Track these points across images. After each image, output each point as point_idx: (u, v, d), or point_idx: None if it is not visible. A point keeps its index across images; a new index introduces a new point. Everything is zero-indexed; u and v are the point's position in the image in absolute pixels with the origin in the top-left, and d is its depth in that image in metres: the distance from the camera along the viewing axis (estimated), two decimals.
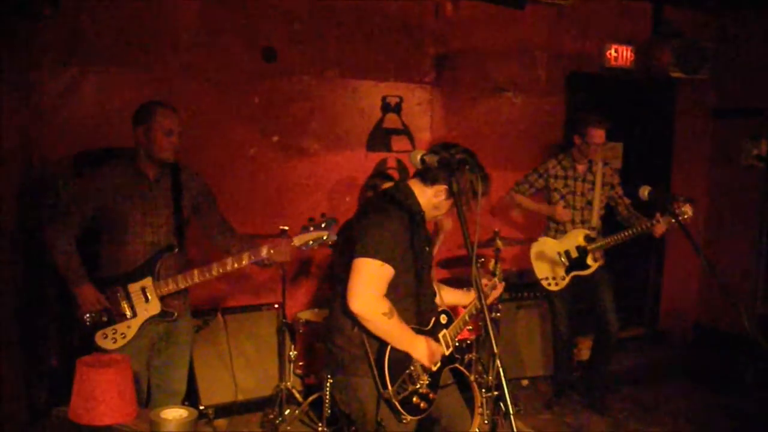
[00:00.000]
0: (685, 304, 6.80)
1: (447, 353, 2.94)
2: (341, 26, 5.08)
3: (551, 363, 5.39)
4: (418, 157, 2.65)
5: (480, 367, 4.67)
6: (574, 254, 4.84)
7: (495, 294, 3.44)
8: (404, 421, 2.69)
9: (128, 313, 3.28)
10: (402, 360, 2.71)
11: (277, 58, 4.91)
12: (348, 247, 2.76)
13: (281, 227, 4.16)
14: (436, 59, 5.47)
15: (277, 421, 4.46)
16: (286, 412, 4.52)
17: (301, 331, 4.66)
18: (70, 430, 2.53)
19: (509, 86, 5.77)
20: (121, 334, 3.26)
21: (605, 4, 6.00)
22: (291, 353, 4.61)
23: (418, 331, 2.80)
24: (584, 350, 5.70)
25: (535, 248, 4.94)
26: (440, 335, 2.93)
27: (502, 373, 2.20)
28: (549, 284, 4.88)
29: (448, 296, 3.22)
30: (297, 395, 4.60)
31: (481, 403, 4.17)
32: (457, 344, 3.04)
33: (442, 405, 2.93)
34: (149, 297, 3.29)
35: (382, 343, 2.69)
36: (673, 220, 4.47)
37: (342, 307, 2.77)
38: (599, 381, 5.12)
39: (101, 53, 4.42)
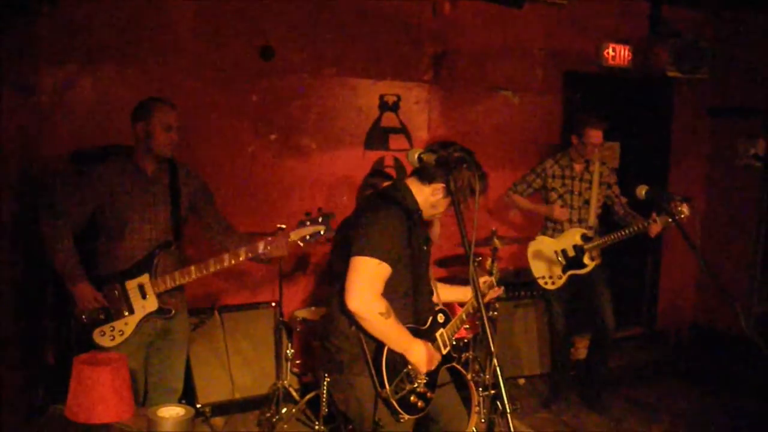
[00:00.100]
0: (682, 303, 6.81)
1: (444, 352, 2.93)
2: (339, 25, 5.08)
3: (548, 362, 5.40)
4: (416, 155, 2.65)
5: (477, 366, 4.67)
6: (571, 253, 4.84)
7: (492, 294, 3.44)
8: (402, 420, 2.69)
9: (126, 310, 3.28)
10: (399, 359, 2.70)
11: (275, 57, 4.90)
12: (346, 245, 2.76)
13: (278, 225, 4.16)
14: (434, 58, 5.47)
15: (274, 420, 4.46)
16: (283, 410, 4.52)
17: (298, 329, 4.66)
18: (66, 428, 2.53)
19: (507, 85, 5.77)
20: (119, 331, 3.26)
21: (603, 4, 6.00)
22: (288, 352, 4.60)
23: (416, 330, 2.80)
24: (581, 349, 5.71)
25: (532, 247, 4.95)
26: (437, 334, 2.93)
27: (499, 372, 2.19)
28: (546, 283, 4.88)
29: (445, 293, 3.22)
30: (294, 394, 4.59)
31: (478, 402, 4.16)
32: (454, 343, 3.04)
33: (439, 404, 2.93)
34: (147, 294, 3.29)
35: (380, 342, 2.69)
36: (670, 220, 4.49)
37: (340, 306, 2.77)
38: (596, 380, 5.13)
39: (99, 51, 4.41)
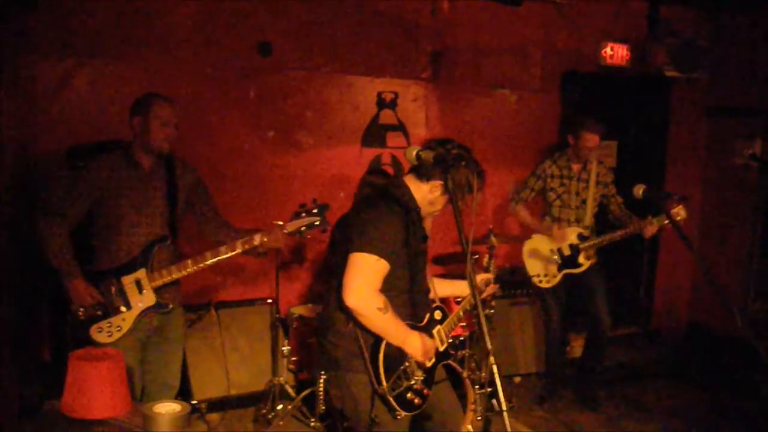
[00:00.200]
0: (678, 302, 6.83)
1: (441, 349, 2.94)
2: (337, 22, 5.07)
3: (544, 360, 5.41)
4: (414, 153, 2.65)
5: (473, 364, 4.67)
6: (567, 252, 4.85)
7: (489, 291, 3.45)
8: (398, 416, 2.70)
9: (123, 305, 3.27)
10: (397, 356, 2.71)
11: (273, 53, 4.90)
12: (343, 242, 2.76)
13: (275, 222, 4.17)
14: (432, 55, 5.46)
15: (270, 416, 4.46)
16: (279, 407, 4.51)
17: (294, 326, 4.65)
18: (62, 424, 2.52)
19: (505, 83, 5.77)
20: (117, 327, 3.25)
21: (601, 3, 6.00)
22: (284, 348, 4.60)
23: (413, 327, 2.80)
24: (576, 347, 5.72)
25: (528, 245, 4.95)
26: (435, 331, 2.93)
27: (495, 370, 2.20)
28: (540, 281, 4.89)
29: (441, 289, 3.22)
30: (290, 390, 4.59)
31: (474, 400, 4.17)
32: (450, 340, 3.04)
33: (435, 401, 2.94)
34: (144, 289, 3.28)
35: (377, 339, 2.69)
36: (666, 221, 4.50)
37: (336, 303, 2.77)
38: (591, 378, 5.14)
39: (96, 46, 4.40)
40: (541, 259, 4.89)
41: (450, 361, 3.16)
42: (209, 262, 3.32)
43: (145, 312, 3.30)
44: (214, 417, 4.59)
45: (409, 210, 2.78)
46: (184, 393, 4.33)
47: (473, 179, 2.67)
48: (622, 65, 6.03)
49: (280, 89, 5.00)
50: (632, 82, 6.24)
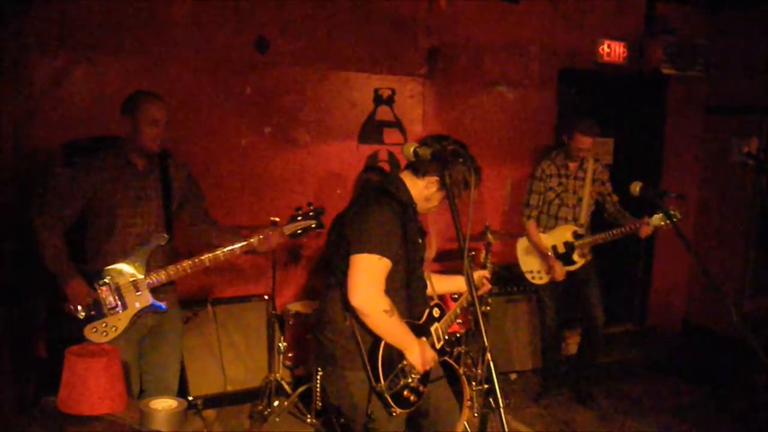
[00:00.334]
0: (674, 300, 6.84)
1: (438, 346, 2.94)
2: (334, 18, 5.06)
3: (539, 357, 5.42)
4: (411, 149, 2.65)
5: (469, 361, 4.68)
6: (561, 249, 4.86)
7: (484, 288, 3.45)
8: (394, 414, 2.70)
9: (119, 305, 3.25)
10: (395, 354, 2.71)
11: (270, 49, 4.89)
12: (340, 239, 2.76)
13: (272, 218, 4.18)
14: (429, 52, 5.46)
15: (266, 413, 4.47)
16: (275, 403, 4.52)
17: (290, 322, 4.65)
18: (58, 419, 2.52)
19: (502, 80, 5.77)
20: (112, 327, 3.22)
21: (599, 0, 6.01)
22: (280, 345, 4.60)
23: (411, 325, 2.80)
24: (572, 344, 5.74)
25: (522, 242, 4.96)
26: (432, 328, 2.94)
27: (492, 367, 2.20)
28: (534, 278, 4.91)
29: (439, 285, 3.23)
30: (286, 387, 4.59)
31: (470, 397, 4.18)
32: (446, 337, 3.05)
33: (431, 398, 2.94)
34: (140, 289, 3.27)
35: (376, 337, 2.69)
36: (663, 223, 4.50)
37: (333, 300, 2.78)
38: (587, 375, 5.15)
39: (92, 40, 4.38)
40: (535, 256, 4.90)
41: (446, 358, 3.16)
42: (207, 264, 3.31)
43: (141, 312, 3.28)
44: (210, 413, 4.59)
45: (406, 206, 2.78)
46: (180, 389, 4.31)
47: (469, 176, 2.67)
48: (619, 63, 6.03)
49: (277, 85, 4.99)
50: (629, 80, 6.24)
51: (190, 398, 4.48)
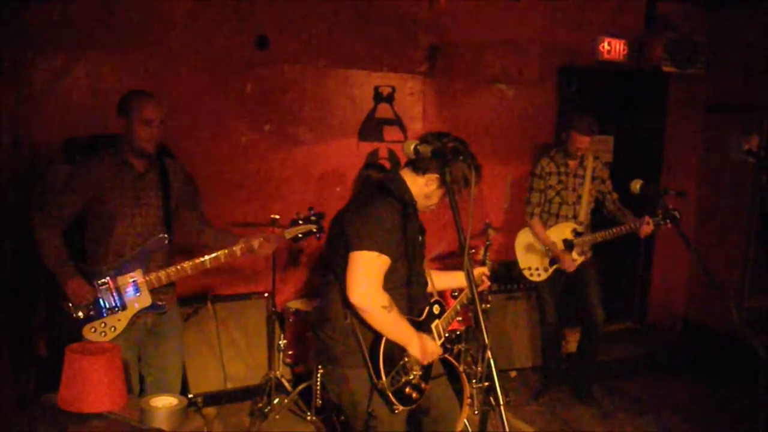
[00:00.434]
0: (674, 298, 6.84)
1: (439, 343, 2.94)
2: (334, 15, 5.06)
3: (539, 354, 5.42)
4: (412, 147, 2.64)
5: (469, 358, 4.68)
6: (561, 247, 4.85)
7: (483, 285, 3.45)
8: (396, 411, 2.70)
9: (118, 306, 3.24)
10: (396, 351, 2.71)
11: (270, 47, 4.88)
12: (340, 237, 2.76)
13: (272, 216, 4.19)
14: (429, 49, 5.45)
15: (266, 410, 4.46)
16: (275, 401, 4.52)
17: (290, 320, 4.65)
18: (58, 417, 2.52)
19: (502, 78, 5.76)
20: (111, 327, 3.21)
21: None
22: (280, 342, 4.60)
23: (412, 322, 2.80)
24: (572, 342, 5.73)
25: (521, 238, 4.95)
26: (433, 325, 2.94)
27: (493, 364, 2.20)
28: (531, 275, 4.90)
29: (439, 281, 3.23)
30: (286, 384, 4.59)
31: (471, 394, 4.18)
32: (447, 335, 3.05)
33: (432, 395, 2.94)
34: (140, 289, 3.25)
35: (377, 335, 2.69)
36: (662, 223, 4.49)
37: (334, 298, 2.78)
38: (586, 373, 5.14)
39: (92, 38, 4.38)
40: (533, 253, 4.90)
41: (446, 356, 3.16)
42: (207, 265, 3.30)
43: (140, 313, 3.28)
44: (210, 411, 4.59)
45: (406, 204, 2.78)
46: (180, 386, 4.33)
47: (469, 173, 2.67)
48: (620, 60, 6.02)
49: (277, 83, 4.98)
50: (629, 78, 6.24)
51: (190, 396, 4.48)
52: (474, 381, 4.26)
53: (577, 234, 4.82)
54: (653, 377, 5.68)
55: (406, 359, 2.72)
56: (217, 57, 4.75)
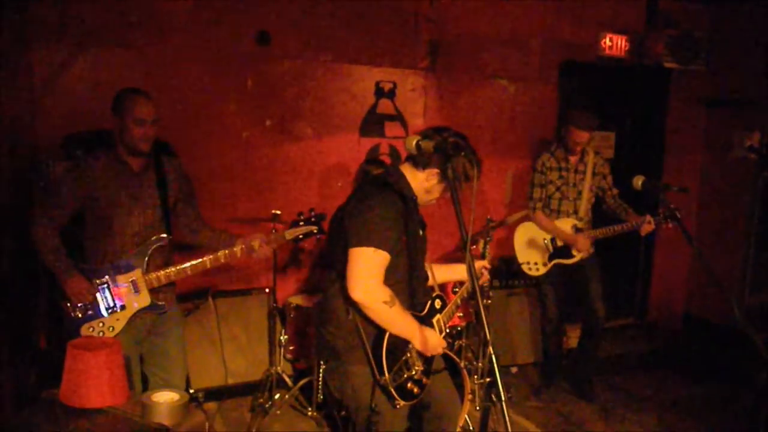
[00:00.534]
0: (675, 294, 6.85)
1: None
2: (336, 10, 5.05)
3: (540, 350, 5.42)
4: (414, 142, 2.64)
5: (470, 354, 4.68)
6: (560, 242, 4.85)
7: (484, 278, 3.45)
8: (398, 406, 2.70)
9: (117, 305, 3.23)
10: (398, 347, 2.71)
11: (271, 42, 4.87)
12: (341, 232, 2.76)
13: (273, 211, 4.19)
14: (430, 45, 5.44)
15: (267, 406, 4.47)
16: (276, 396, 4.52)
17: (291, 315, 4.65)
18: (60, 412, 2.52)
19: (503, 73, 5.76)
20: (109, 327, 3.21)
21: None
22: (281, 338, 4.60)
23: (414, 317, 2.80)
24: (573, 338, 5.74)
25: (520, 232, 4.94)
26: (434, 320, 2.94)
27: (494, 360, 2.20)
28: (530, 269, 4.90)
29: (440, 275, 3.23)
30: (287, 380, 4.59)
31: (472, 390, 4.18)
32: (448, 330, 3.05)
33: (433, 391, 2.95)
34: (139, 289, 3.24)
35: (380, 331, 2.69)
36: (663, 222, 4.48)
37: (335, 294, 2.78)
38: (587, 369, 5.15)
39: (93, 33, 4.37)
40: (532, 247, 4.89)
41: (447, 351, 3.16)
42: (208, 265, 3.30)
43: (139, 312, 3.27)
44: (211, 406, 4.60)
45: (406, 198, 2.78)
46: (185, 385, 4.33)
47: (470, 168, 2.67)
48: (621, 56, 6.01)
49: (278, 78, 4.98)
50: (631, 73, 6.23)
51: (191, 391, 4.48)
52: (476, 377, 4.25)
53: (577, 230, 4.82)
54: (654, 373, 5.68)
55: (409, 355, 2.72)
56: (218, 52, 4.74)
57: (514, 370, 5.55)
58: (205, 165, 4.76)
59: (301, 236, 3.46)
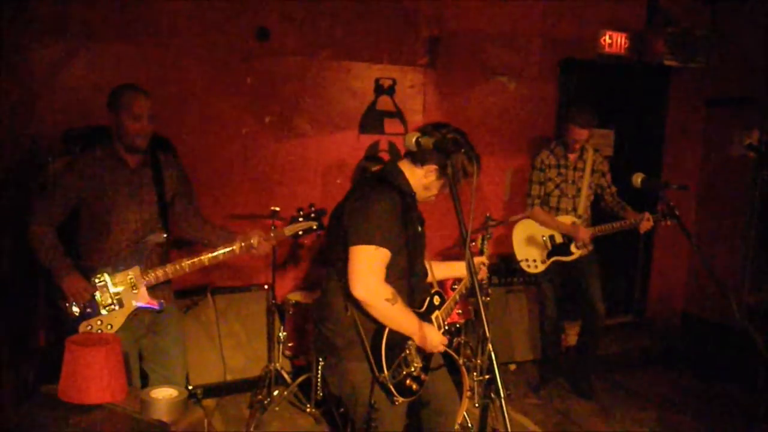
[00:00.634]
0: (673, 292, 6.85)
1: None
2: (335, 7, 5.04)
3: (539, 348, 5.43)
4: (414, 139, 2.63)
5: (469, 351, 4.69)
6: (559, 240, 4.85)
7: (482, 274, 3.46)
8: (396, 403, 2.71)
9: (115, 303, 3.21)
10: (398, 344, 2.71)
11: (270, 39, 4.87)
12: (340, 230, 2.75)
13: (272, 208, 4.18)
14: (430, 42, 5.44)
15: (266, 402, 4.47)
16: (275, 393, 4.53)
17: (290, 312, 4.65)
18: (59, 408, 2.52)
19: (503, 70, 5.75)
20: (107, 325, 3.19)
21: None
22: (280, 334, 4.61)
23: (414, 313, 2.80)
24: (572, 335, 5.74)
25: (518, 230, 4.94)
26: (433, 316, 2.94)
27: (494, 357, 2.20)
28: (528, 266, 4.89)
29: (438, 272, 3.23)
30: (286, 376, 4.60)
31: (470, 387, 4.19)
32: (447, 327, 3.05)
33: (432, 387, 2.95)
34: (137, 287, 3.23)
35: (379, 327, 2.69)
36: (662, 220, 4.48)
37: (334, 291, 2.78)
38: (586, 366, 5.15)
39: (92, 29, 4.36)
40: (531, 244, 4.89)
41: (446, 348, 3.16)
42: (206, 263, 3.26)
43: (137, 310, 3.25)
44: (210, 402, 4.61)
45: (405, 195, 2.77)
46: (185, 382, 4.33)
47: (469, 164, 2.67)
48: (621, 54, 6.01)
49: (278, 75, 4.97)
50: (630, 71, 6.22)
51: (190, 387, 4.48)
52: (475, 374, 4.26)
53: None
54: (652, 371, 5.69)
55: (407, 351, 2.72)
56: (218, 49, 4.74)
57: (512, 367, 5.55)
58: (204, 162, 4.75)
59: (300, 232, 3.40)
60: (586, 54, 5.96)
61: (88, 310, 3.18)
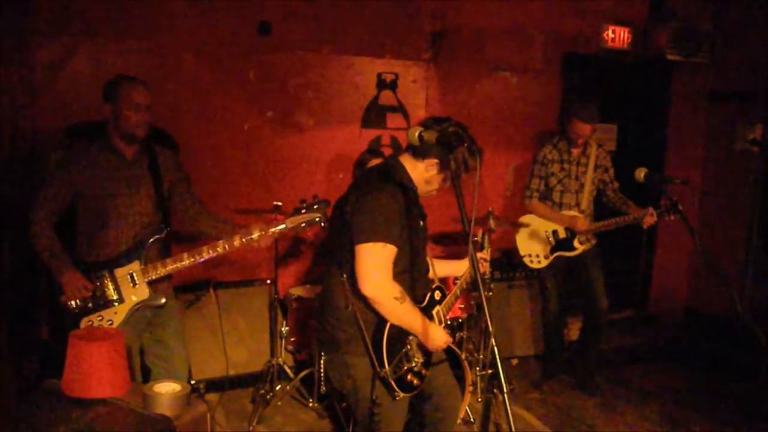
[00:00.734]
0: (676, 286, 6.85)
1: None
2: (338, 1, 5.03)
3: (541, 343, 5.42)
4: (417, 134, 2.63)
5: (471, 346, 4.69)
6: (562, 235, 4.84)
7: (481, 268, 3.45)
8: (398, 398, 2.71)
9: (115, 299, 3.21)
10: (399, 339, 2.72)
11: (273, 33, 4.86)
12: (343, 225, 2.75)
13: (275, 203, 4.18)
14: (432, 36, 5.43)
15: (268, 397, 4.47)
16: (278, 387, 4.53)
17: (293, 307, 4.65)
18: (62, 402, 2.53)
19: (505, 65, 5.74)
20: (108, 320, 3.19)
21: None
22: (283, 329, 4.61)
23: None
24: (574, 330, 5.74)
25: (522, 224, 4.93)
26: (434, 312, 2.94)
27: (497, 352, 2.20)
28: (531, 261, 4.89)
29: (440, 269, 3.23)
30: (288, 371, 4.60)
31: (472, 382, 4.19)
32: (449, 322, 3.05)
33: (434, 382, 2.95)
34: (137, 282, 3.22)
35: (380, 322, 2.69)
36: (665, 215, 4.47)
37: (336, 286, 2.78)
38: (588, 361, 5.15)
39: (95, 24, 4.36)
40: (534, 240, 4.89)
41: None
42: (206, 256, 3.23)
43: (137, 306, 3.25)
44: (212, 397, 4.61)
45: (406, 190, 2.77)
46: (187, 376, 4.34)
47: (470, 158, 2.67)
48: (624, 48, 6.00)
49: (280, 69, 4.97)
50: (633, 66, 6.21)
51: (193, 382, 4.49)
52: (477, 368, 4.26)
53: None
54: (655, 366, 5.68)
55: (408, 347, 2.72)
56: (220, 43, 4.73)
57: (514, 362, 5.55)
58: (206, 156, 4.75)
59: (303, 224, 3.30)
60: (589, 49, 5.95)
61: (89, 305, 3.18)
